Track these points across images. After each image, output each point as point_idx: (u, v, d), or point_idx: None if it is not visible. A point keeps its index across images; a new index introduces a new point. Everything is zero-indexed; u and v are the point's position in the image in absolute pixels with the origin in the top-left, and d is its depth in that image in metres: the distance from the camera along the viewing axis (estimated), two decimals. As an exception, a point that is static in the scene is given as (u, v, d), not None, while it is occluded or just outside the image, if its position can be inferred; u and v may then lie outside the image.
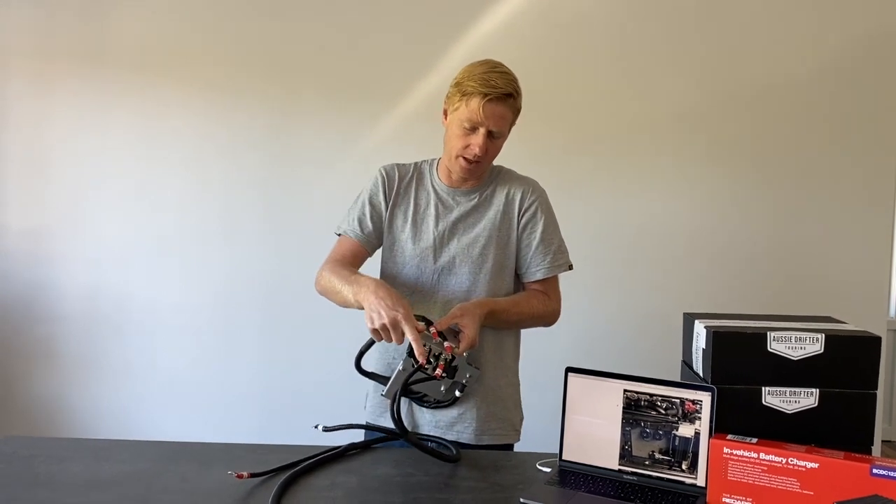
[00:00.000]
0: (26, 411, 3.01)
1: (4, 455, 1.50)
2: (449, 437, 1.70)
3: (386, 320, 1.50)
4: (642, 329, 2.92)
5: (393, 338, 1.51)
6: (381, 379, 1.67)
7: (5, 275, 2.99)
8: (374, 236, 1.79)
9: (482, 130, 1.65)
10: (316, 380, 2.94)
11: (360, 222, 1.78)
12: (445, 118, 1.74)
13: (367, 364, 1.67)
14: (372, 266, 1.81)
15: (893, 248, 3.13)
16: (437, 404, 1.69)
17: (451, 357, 1.58)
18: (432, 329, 1.59)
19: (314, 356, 2.97)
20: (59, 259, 2.98)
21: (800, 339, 1.42)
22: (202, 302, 2.98)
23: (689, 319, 1.59)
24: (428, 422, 1.73)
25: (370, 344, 1.64)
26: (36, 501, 1.30)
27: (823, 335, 1.41)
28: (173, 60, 2.93)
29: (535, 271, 1.76)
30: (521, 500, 1.33)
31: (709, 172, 2.94)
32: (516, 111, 1.71)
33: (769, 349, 1.42)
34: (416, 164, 1.84)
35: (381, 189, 1.79)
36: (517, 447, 1.81)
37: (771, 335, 1.42)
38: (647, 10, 2.90)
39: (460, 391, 1.63)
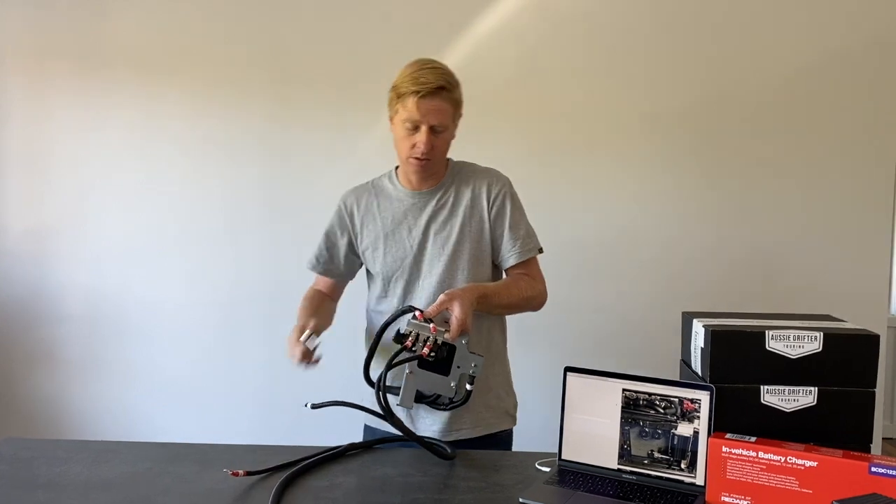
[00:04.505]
0: (27, 413, 3.01)
1: (5, 457, 1.51)
2: (450, 439, 1.71)
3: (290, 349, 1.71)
4: (641, 328, 2.92)
5: (296, 350, 1.69)
6: (392, 390, 1.63)
7: (6, 276, 2.99)
8: (333, 265, 1.89)
9: (424, 127, 1.69)
10: (317, 380, 2.93)
11: (318, 258, 1.90)
12: (392, 124, 1.78)
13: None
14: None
15: (893, 245, 3.13)
16: (452, 404, 1.65)
17: (435, 338, 1.55)
18: (417, 313, 1.57)
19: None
20: (60, 260, 2.98)
21: (798, 338, 1.42)
22: (203, 303, 2.98)
23: (687, 318, 1.59)
24: (428, 426, 1.74)
25: (373, 350, 1.63)
26: (36, 503, 1.31)
27: (822, 333, 1.41)
28: (173, 60, 2.93)
29: (508, 258, 1.79)
30: (521, 499, 1.34)
31: (709, 172, 2.94)
32: (454, 103, 1.73)
33: (768, 348, 1.42)
34: (371, 181, 1.88)
35: (336, 223, 1.86)
36: (516, 435, 1.83)
37: (769, 334, 1.42)
38: (645, 10, 2.89)
39: (470, 383, 1.60)
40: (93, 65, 2.93)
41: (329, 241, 1.87)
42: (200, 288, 2.98)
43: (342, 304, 2.78)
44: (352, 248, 1.86)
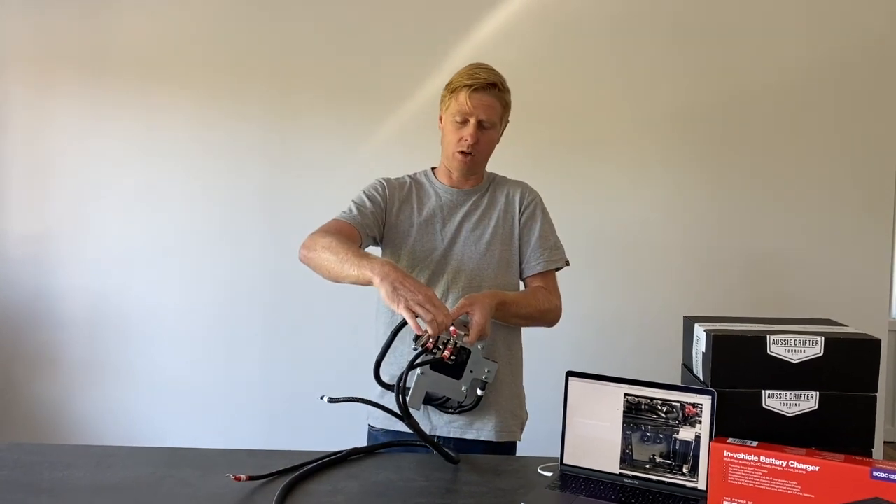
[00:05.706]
0: (29, 417, 3.02)
1: (8, 461, 1.51)
2: (469, 437, 1.72)
3: (420, 297, 1.43)
4: (642, 333, 2.92)
5: (431, 312, 1.42)
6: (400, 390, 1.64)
7: (7, 280, 3.00)
8: (370, 226, 1.75)
9: (472, 121, 1.72)
10: (318, 383, 2.94)
11: (359, 209, 1.76)
12: (441, 123, 1.81)
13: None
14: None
15: (894, 249, 3.13)
16: (461, 408, 1.66)
17: (455, 341, 1.54)
18: None
19: (316, 360, 2.97)
20: (62, 264, 2.99)
21: (799, 342, 1.42)
22: (204, 307, 2.99)
23: (689, 323, 1.59)
24: (446, 422, 1.74)
25: (386, 350, 1.56)
26: (39, 508, 1.31)
27: (823, 338, 1.42)
28: (174, 65, 2.94)
29: (535, 265, 1.80)
30: (523, 504, 1.34)
31: (710, 177, 2.95)
32: (504, 104, 1.77)
33: (769, 352, 1.42)
34: (409, 175, 1.88)
35: (378, 191, 1.81)
36: (518, 447, 1.82)
37: (770, 338, 1.42)
38: (644, 12, 2.90)
39: (482, 389, 1.60)
40: (94, 71, 2.95)
41: (371, 202, 1.77)
42: (201, 291, 2.99)
43: (342, 305, 2.80)
44: (378, 214, 1.77)
